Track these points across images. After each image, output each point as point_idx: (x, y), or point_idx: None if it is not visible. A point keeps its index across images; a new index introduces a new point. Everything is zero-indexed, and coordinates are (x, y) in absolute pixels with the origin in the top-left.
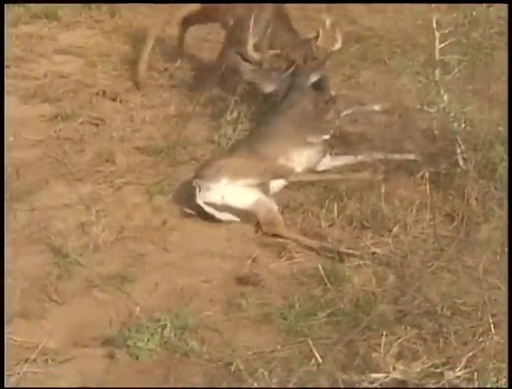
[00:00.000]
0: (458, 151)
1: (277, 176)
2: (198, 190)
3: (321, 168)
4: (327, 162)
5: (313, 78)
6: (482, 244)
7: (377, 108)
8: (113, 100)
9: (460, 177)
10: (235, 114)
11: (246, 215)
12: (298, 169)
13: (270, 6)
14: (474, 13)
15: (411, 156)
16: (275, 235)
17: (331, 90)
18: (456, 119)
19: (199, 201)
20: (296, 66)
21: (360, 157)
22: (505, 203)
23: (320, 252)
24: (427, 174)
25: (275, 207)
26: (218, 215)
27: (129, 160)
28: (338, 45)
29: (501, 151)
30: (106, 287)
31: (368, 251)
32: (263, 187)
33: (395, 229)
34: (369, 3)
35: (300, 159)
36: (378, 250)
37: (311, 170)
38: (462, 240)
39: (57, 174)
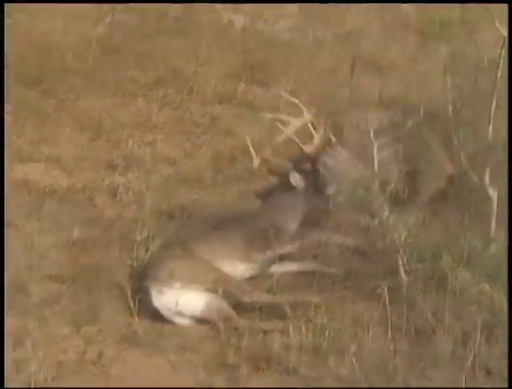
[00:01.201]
0: (400, 263)
1: (227, 289)
2: (151, 292)
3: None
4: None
5: None
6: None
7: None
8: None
9: (408, 290)
10: (145, 233)
11: (200, 319)
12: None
13: None
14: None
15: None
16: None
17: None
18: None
19: (156, 304)
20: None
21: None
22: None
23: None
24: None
25: (225, 304)
26: (173, 319)
27: (44, 290)
28: None
29: (448, 260)
30: None
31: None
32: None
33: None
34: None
35: (235, 271)
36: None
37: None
38: (422, 355)
39: None
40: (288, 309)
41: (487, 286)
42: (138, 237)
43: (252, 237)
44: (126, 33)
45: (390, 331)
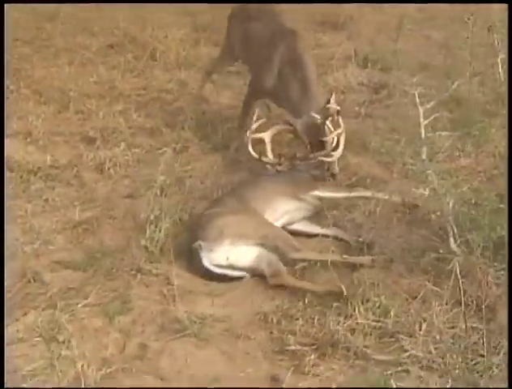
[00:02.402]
0: (451, 233)
1: (276, 244)
2: (201, 251)
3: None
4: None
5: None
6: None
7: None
8: None
9: (462, 262)
10: (156, 212)
11: (251, 271)
12: (281, 220)
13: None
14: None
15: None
16: (281, 285)
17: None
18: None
19: (206, 264)
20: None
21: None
22: None
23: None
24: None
25: (275, 259)
26: (225, 272)
27: (57, 278)
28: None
29: (503, 231)
30: None
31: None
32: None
33: (424, 327)
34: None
35: (287, 210)
36: (416, 352)
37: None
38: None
39: None
40: (343, 288)
41: None
42: (152, 215)
43: (298, 180)
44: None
45: (462, 306)
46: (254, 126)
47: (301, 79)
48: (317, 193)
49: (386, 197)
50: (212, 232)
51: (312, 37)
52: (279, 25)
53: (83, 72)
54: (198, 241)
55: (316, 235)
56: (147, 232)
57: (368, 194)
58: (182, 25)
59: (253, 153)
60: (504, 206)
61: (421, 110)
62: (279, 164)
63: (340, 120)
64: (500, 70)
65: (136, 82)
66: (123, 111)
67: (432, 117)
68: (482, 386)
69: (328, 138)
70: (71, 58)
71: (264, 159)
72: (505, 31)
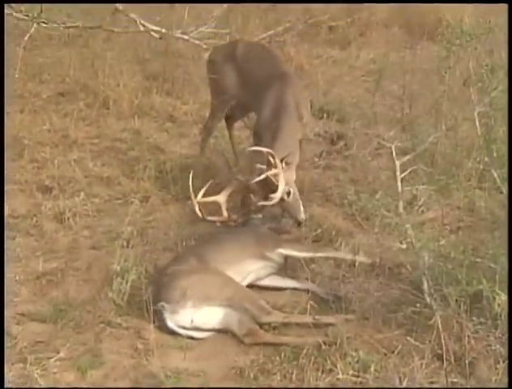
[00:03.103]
0: (426, 287)
1: (244, 306)
2: (165, 313)
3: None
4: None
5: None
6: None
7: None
8: None
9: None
10: (123, 263)
11: (221, 330)
12: (246, 280)
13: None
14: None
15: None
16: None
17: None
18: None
19: (170, 325)
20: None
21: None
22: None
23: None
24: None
25: (245, 318)
26: (190, 334)
27: (25, 331)
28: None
29: (479, 285)
30: None
31: None
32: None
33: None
34: None
35: (251, 270)
36: None
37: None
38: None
39: None
40: (321, 342)
41: None
42: (117, 267)
43: (263, 237)
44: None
45: (444, 362)
46: (203, 190)
47: (274, 128)
48: (281, 251)
49: (355, 258)
50: (175, 294)
51: None
52: (273, 65)
53: (35, 120)
54: (162, 303)
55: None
56: (114, 284)
57: (335, 255)
58: (133, 73)
59: (199, 214)
60: (480, 260)
61: (397, 163)
62: (234, 221)
63: (277, 161)
64: (477, 123)
65: (89, 130)
66: (78, 160)
67: (408, 171)
68: None
69: (258, 180)
70: (22, 105)
71: (210, 218)
72: (481, 84)
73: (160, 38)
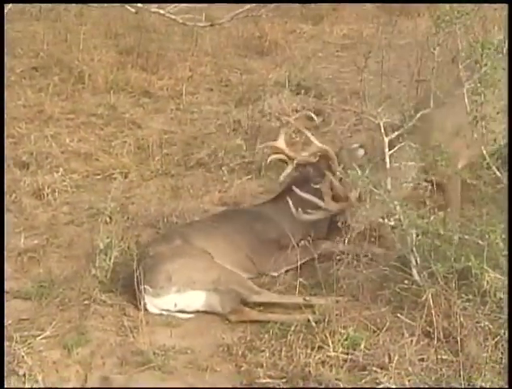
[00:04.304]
0: (414, 264)
1: (231, 288)
2: (148, 296)
3: None
4: None
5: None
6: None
7: None
8: None
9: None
10: (105, 240)
11: (206, 311)
12: None
13: None
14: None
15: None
16: (244, 321)
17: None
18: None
19: (151, 309)
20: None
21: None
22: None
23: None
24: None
25: (229, 296)
26: (174, 315)
27: (9, 308)
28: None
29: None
30: None
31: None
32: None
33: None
34: None
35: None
36: (390, 385)
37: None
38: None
39: None
40: (311, 318)
41: None
42: (100, 244)
43: (258, 247)
44: None
45: (435, 339)
46: None
47: None
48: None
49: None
50: (160, 278)
51: (239, 62)
52: None
53: (10, 95)
54: (146, 286)
55: None
56: (97, 260)
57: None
58: (107, 48)
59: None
60: (468, 237)
61: (386, 140)
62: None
63: None
64: (466, 100)
65: (65, 105)
66: (54, 135)
67: (397, 147)
68: None
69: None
70: None
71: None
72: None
73: (136, 13)
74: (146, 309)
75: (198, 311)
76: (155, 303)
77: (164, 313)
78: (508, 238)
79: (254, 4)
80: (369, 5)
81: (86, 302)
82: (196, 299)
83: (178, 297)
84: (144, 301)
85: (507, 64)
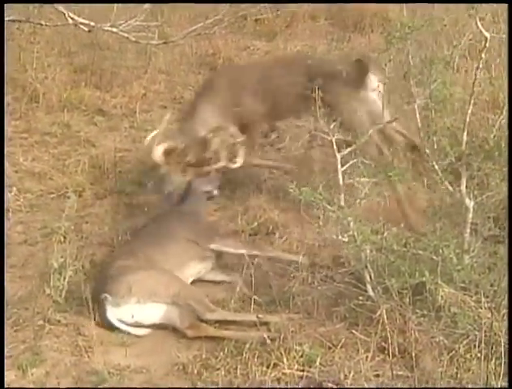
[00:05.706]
0: (368, 279)
1: (188, 304)
2: (107, 304)
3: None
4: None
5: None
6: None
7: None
8: None
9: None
10: (60, 259)
11: (163, 324)
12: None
13: None
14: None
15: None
16: (200, 337)
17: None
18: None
19: (110, 318)
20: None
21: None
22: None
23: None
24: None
25: (187, 312)
26: (128, 330)
27: None
28: (238, 163)
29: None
30: None
31: None
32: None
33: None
34: None
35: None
36: None
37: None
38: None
39: None
40: (265, 336)
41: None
42: (55, 263)
43: (200, 233)
44: None
45: (390, 355)
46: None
47: None
48: (213, 246)
49: (291, 258)
50: (121, 288)
51: (193, 79)
52: None
53: None
54: (105, 294)
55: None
56: (52, 280)
57: (270, 254)
58: (61, 66)
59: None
60: (422, 252)
61: (339, 157)
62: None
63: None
64: (417, 115)
65: (18, 124)
66: (8, 154)
67: (349, 164)
68: None
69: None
70: None
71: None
72: (421, 77)
73: (89, 31)
74: (104, 319)
75: (154, 325)
76: (113, 313)
77: (120, 325)
78: None
79: (208, 21)
80: (322, 21)
81: (40, 322)
82: (155, 311)
83: (138, 307)
84: (103, 310)
85: (507, 64)
